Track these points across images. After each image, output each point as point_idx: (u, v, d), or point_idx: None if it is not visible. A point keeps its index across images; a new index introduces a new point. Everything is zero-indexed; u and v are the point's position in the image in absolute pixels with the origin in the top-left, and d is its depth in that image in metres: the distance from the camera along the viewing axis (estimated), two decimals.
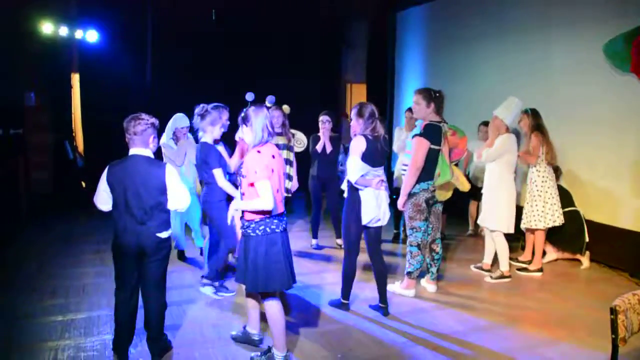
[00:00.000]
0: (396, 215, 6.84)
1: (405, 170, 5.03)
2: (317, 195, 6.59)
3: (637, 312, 2.79)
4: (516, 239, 6.20)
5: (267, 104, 6.08)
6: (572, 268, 6.05)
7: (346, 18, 11.56)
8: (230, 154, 4.92)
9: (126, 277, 3.59)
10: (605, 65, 5.90)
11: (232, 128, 4.79)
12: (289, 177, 6.23)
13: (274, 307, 3.62)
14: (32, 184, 8.93)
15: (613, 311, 2.69)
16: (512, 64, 7.27)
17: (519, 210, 5.72)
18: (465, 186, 5.41)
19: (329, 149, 6.42)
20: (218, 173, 4.55)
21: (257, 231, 3.46)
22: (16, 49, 9.00)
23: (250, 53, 10.38)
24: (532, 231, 5.92)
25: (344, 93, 12.49)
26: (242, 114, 3.56)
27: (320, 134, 6.44)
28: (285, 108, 6.22)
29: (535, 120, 5.67)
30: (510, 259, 5.71)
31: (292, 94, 8.08)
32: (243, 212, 3.51)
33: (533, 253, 5.96)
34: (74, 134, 10.72)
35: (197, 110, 4.71)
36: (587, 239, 5.97)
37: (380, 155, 4.39)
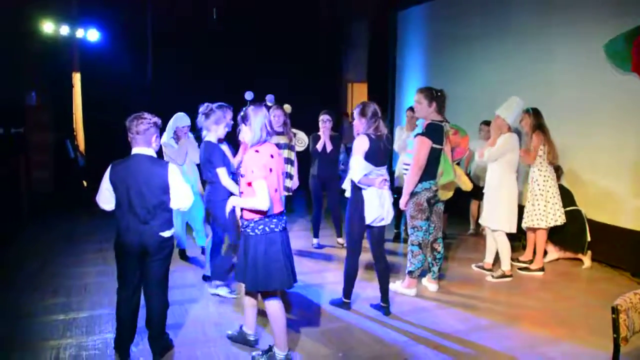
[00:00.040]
0: (397, 215, 6.83)
1: (406, 169, 5.03)
2: (318, 194, 6.59)
3: (638, 312, 2.79)
4: (518, 239, 6.19)
5: (268, 103, 6.08)
6: (574, 267, 6.05)
7: (347, 17, 11.57)
8: (234, 153, 4.92)
9: (128, 276, 3.60)
10: (606, 64, 5.90)
11: (236, 127, 4.80)
12: (290, 176, 6.23)
13: (275, 306, 3.63)
14: (33, 183, 8.94)
15: (615, 310, 2.69)
16: (513, 64, 7.27)
17: (521, 209, 5.72)
18: (467, 185, 5.41)
19: (329, 148, 6.42)
20: (222, 172, 4.55)
21: (257, 230, 3.46)
22: (17, 48, 9.01)
23: (250, 52, 10.38)
24: (534, 230, 5.92)
25: (345, 92, 12.50)
26: (242, 113, 3.57)
27: (320, 133, 6.44)
28: (287, 107, 6.22)
29: (536, 120, 5.66)
30: (512, 259, 5.70)
31: (293, 93, 8.10)
32: (242, 211, 3.51)
33: (534, 252, 5.96)
34: (75, 133, 10.73)
35: (202, 109, 4.72)
36: (588, 239, 5.97)
37: (383, 154, 4.39)
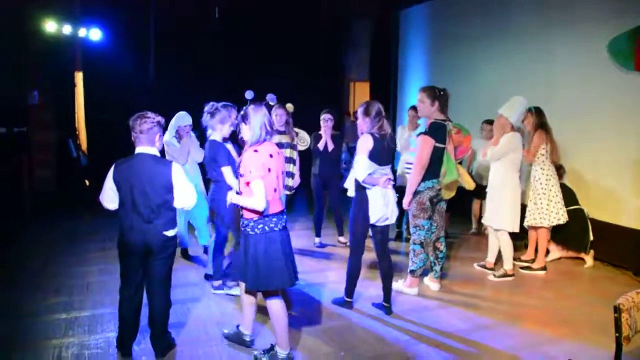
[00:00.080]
0: (399, 214, 6.82)
1: (409, 168, 5.02)
2: (319, 193, 6.59)
3: None
4: (520, 238, 6.18)
5: (270, 102, 6.08)
6: (576, 266, 6.04)
7: (349, 16, 11.56)
8: (239, 153, 4.93)
9: (131, 275, 3.61)
10: (608, 63, 5.89)
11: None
12: (292, 175, 6.23)
13: (276, 305, 3.63)
14: (35, 182, 8.95)
15: (617, 310, 2.69)
16: (515, 63, 7.26)
17: (523, 208, 5.71)
18: (470, 184, 5.41)
19: (330, 147, 6.42)
20: (227, 171, 4.55)
21: (256, 230, 3.46)
22: (20, 48, 9.03)
23: (252, 52, 10.39)
24: (536, 229, 5.91)
25: (347, 91, 12.50)
26: (242, 112, 3.57)
27: (321, 132, 6.44)
28: (289, 106, 6.22)
29: (539, 119, 5.66)
30: (514, 258, 5.69)
31: (295, 92, 8.09)
32: (242, 210, 3.51)
33: (536, 251, 5.95)
34: (77, 132, 10.76)
35: (207, 108, 4.73)
36: (591, 238, 5.96)
37: (387, 153, 4.38)
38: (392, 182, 4.38)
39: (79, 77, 10.61)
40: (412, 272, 5.04)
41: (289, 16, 10.64)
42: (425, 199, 4.84)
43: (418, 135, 4.89)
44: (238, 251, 3.64)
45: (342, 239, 6.79)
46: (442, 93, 4.89)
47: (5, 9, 8.45)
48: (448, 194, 5.04)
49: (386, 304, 4.61)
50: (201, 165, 5.83)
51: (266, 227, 3.46)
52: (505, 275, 5.55)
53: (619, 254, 5.89)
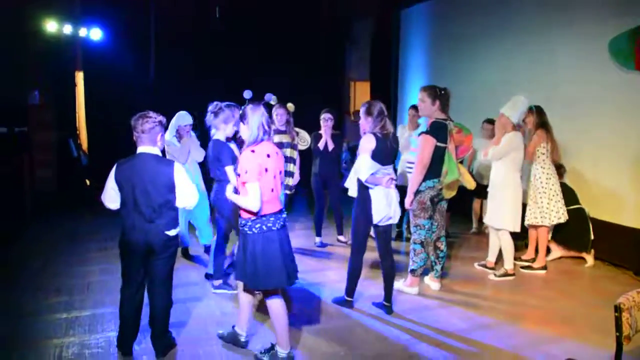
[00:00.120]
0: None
1: (410, 168, 5.02)
2: (320, 192, 6.59)
3: None
4: (522, 237, 6.17)
5: (271, 102, 6.08)
6: (576, 266, 6.04)
7: (350, 15, 11.56)
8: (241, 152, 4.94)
9: (132, 274, 3.62)
10: (609, 63, 5.89)
11: None
12: (291, 175, 6.23)
13: (276, 304, 3.63)
14: (36, 182, 8.96)
15: (617, 309, 2.69)
16: (516, 62, 7.26)
17: (523, 207, 5.71)
18: (471, 184, 5.40)
19: (330, 146, 6.42)
20: (230, 170, 4.56)
21: (254, 229, 3.46)
22: (20, 48, 9.04)
23: (253, 51, 10.39)
24: (536, 228, 5.91)
25: (347, 91, 12.50)
26: (240, 112, 3.58)
27: (322, 131, 6.44)
28: (290, 106, 6.22)
29: (540, 118, 5.65)
30: (514, 257, 5.68)
31: (295, 92, 8.09)
32: (240, 209, 3.52)
33: (536, 250, 5.95)
34: (78, 132, 10.76)
35: (211, 107, 4.74)
36: (592, 237, 5.96)
37: (389, 153, 4.38)
38: (394, 182, 4.38)
39: (79, 76, 10.62)
40: (412, 271, 5.04)
41: (289, 16, 10.64)
42: (426, 199, 4.84)
43: (419, 134, 4.89)
44: (237, 251, 3.64)
45: (341, 237, 6.79)
46: (443, 92, 4.88)
47: (6, 9, 8.46)
48: (449, 194, 5.04)
49: (387, 304, 4.61)
50: (201, 165, 5.85)
51: (264, 227, 3.46)
52: (506, 274, 5.55)
53: (619, 253, 5.89)
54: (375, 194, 4.31)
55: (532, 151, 5.64)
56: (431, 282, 5.25)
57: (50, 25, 9.25)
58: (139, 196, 3.46)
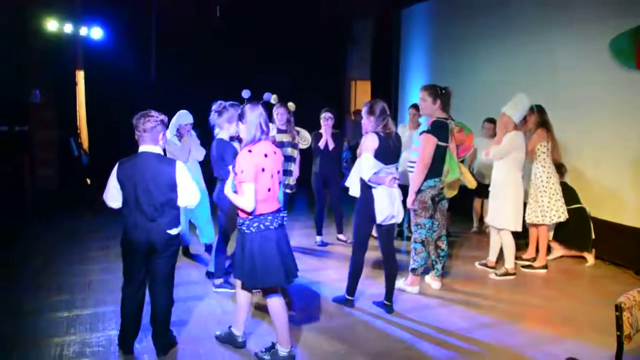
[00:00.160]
0: None
1: (412, 167, 5.02)
2: (320, 191, 6.59)
3: None
4: (523, 236, 6.17)
5: (271, 101, 6.07)
6: (577, 265, 6.04)
7: (351, 15, 11.55)
8: None
9: (134, 273, 3.62)
10: (610, 62, 5.89)
11: None
12: (291, 174, 6.22)
13: (276, 302, 3.64)
14: (37, 181, 8.96)
15: (618, 308, 2.69)
16: (516, 62, 7.26)
17: (525, 207, 5.71)
18: (471, 183, 5.40)
19: (331, 145, 6.43)
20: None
21: (252, 228, 3.47)
22: (21, 47, 9.05)
23: (254, 50, 10.39)
24: (536, 227, 5.91)
25: (348, 90, 12.49)
26: (239, 111, 3.58)
27: (322, 130, 6.44)
28: (291, 105, 6.22)
29: (540, 117, 5.65)
30: (515, 257, 5.68)
31: (297, 91, 8.09)
32: (238, 209, 3.53)
33: (537, 250, 5.95)
34: (78, 131, 10.77)
35: (215, 107, 4.74)
36: (593, 236, 5.96)
37: (392, 152, 4.38)
38: (397, 181, 4.38)
39: (80, 75, 10.62)
40: (413, 270, 5.04)
41: (290, 15, 10.64)
42: (427, 198, 4.84)
43: (420, 133, 4.89)
44: (236, 249, 3.65)
45: (341, 236, 6.80)
46: (443, 91, 4.88)
47: (7, 8, 8.46)
48: (450, 193, 5.04)
49: (387, 303, 4.61)
50: (202, 164, 5.86)
51: (261, 226, 3.47)
52: (507, 273, 5.55)
53: (620, 252, 5.89)
54: (378, 193, 4.31)
55: (532, 150, 5.64)
56: (432, 281, 5.25)
57: (51, 24, 9.25)
58: (141, 195, 3.46)
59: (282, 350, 3.64)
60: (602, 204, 6.07)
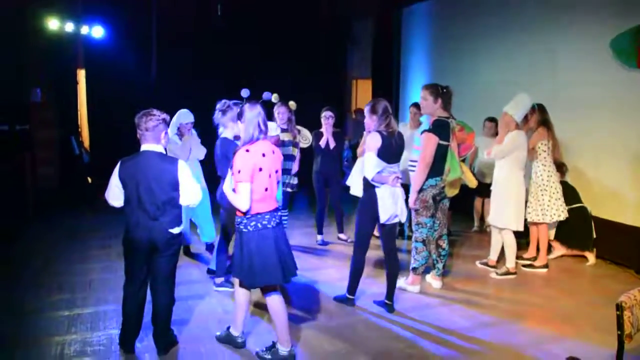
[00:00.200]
0: None
1: (413, 166, 5.01)
2: (321, 190, 6.60)
3: None
4: (525, 235, 6.16)
5: (272, 100, 6.07)
6: (578, 264, 6.03)
7: (352, 14, 11.54)
8: None
9: (135, 272, 3.63)
10: (611, 62, 5.89)
11: None
12: (292, 173, 6.22)
13: (275, 301, 3.64)
14: (38, 180, 8.96)
15: (619, 307, 2.68)
16: (517, 61, 7.26)
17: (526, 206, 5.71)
18: (472, 182, 5.39)
19: (332, 144, 6.43)
20: None
21: (249, 227, 3.47)
22: (22, 46, 9.05)
23: (254, 50, 10.38)
24: (537, 225, 5.90)
25: (349, 89, 12.49)
26: (232, 110, 3.59)
27: (322, 129, 6.44)
28: (292, 104, 6.21)
29: (542, 116, 5.65)
30: (516, 257, 5.67)
31: (298, 90, 8.08)
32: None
33: (538, 249, 5.95)
34: (79, 130, 10.78)
35: (219, 105, 4.74)
36: (594, 235, 5.96)
37: (395, 151, 4.37)
38: (400, 180, 4.37)
39: (81, 74, 10.63)
40: (414, 269, 5.04)
41: (291, 14, 10.63)
42: (428, 197, 4.84)
43: (422, 132, 4.88)
44: (234, 248, 3.65)
45: (342, 235, 6.80)
46: (445, 90, 4.88)
47: (8, 6, 8.46)
48: (452, 192, 5.03)
49: (388, 302, 4.61)
50: (202, 163, 5.86)
51: (259, 224, 3.47)
52: (508, 273, 5.54)
53: (621, 251, 5.89)
54: (382, 192, 4.30)
55: (532, 148, 5.63)
56: (433, 281, 5.25)
57: (52, 23, 9.26)
58: (143, 194, 3.46)
59: (283, 350, 3.64)
60: (603, 203, 6.06)
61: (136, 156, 3.53)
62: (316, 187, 6.58)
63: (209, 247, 6.15)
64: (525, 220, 5.65)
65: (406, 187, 4.95)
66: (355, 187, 4.50)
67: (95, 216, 7.71)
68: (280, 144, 5.75)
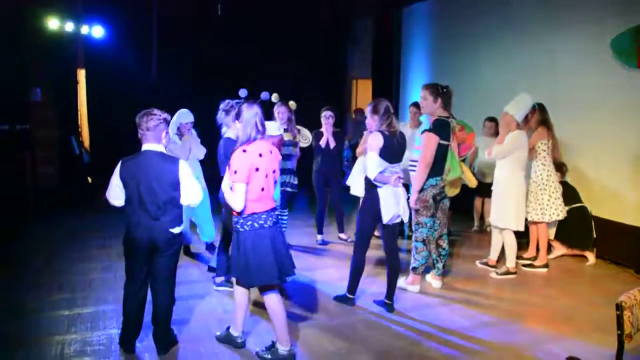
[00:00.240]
0: None
1: (414, 166, 5.01)
2: (321, 190, 6.60)
3: None
4: (525, 235, 6.16)
5: (273, 99, 6.07)
6: (578, 264, 6.03)
7: (352, 13, 11.54)
8: None
9: (136, 272, 3.63)
10: (609, 62, 5.90)
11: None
12: (293, 172, 6.21)
13: (272, 300, 3.64)
14: (38, 179, 8.96)
15: (619, 307, 2.69)
16: (517, 61, 7.26)
17: None
18: (472, 182, 5.39)
19: (332, 144, 6.44)
20: None
21: (245, 226, 3.48)
22: (22, 45, 9.03)
23: (255, 49, 10.38)
24: (536, 224, 5.90)
25: (349, 89, 12.49)
26: (232, 110, 3.59)
27: (323, 129, 6.45)
28: (292, 104, 6.21)
29: (542, 115, 5.65)
30: (516, 257, 5.67)
31: (298, 89, 8.08)
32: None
33: (537, 248, 5.95)
34: (79, 129, 10.77)
35: (222, 105, 4.75)
36: (594, 235, 5.96)
37: (397, 151, 4.37)
38: (402, 180, 4.37)
39: (81, 74, 10.63)
40: (414, 269, 5.04)
41: (291, 14, 10.63)
42: (429, 197, 4.84)
43: (422, 132, 4.88)
44: (232, 248, 3.66)
45: (342, 235, 6.80)
46: (445, 90, 4.88)
47: (8, 6, 8.45)
48: (452, 191, 5.03)
49: (388, 302, 4.61)
50: (202, 162, 5.86)
51: (255, 224, 3.48)
52: (508, 272, 5.55)
53: (620, 251, 5.89)
54: (384, 193, 4.30)
55: (532, 148, 5.63)
56: (433, 280, 5.25)
57: (52, 23, 9.25)
58: (144, 193, 3.47)
59: (282, 349, 3.64)
60: (603, 203, 6.07)
61: (137, 156, 3.53)
62: (316, 187, 6.58)
63: (209, 246, 6.16)
64: (526, 219, 5.65)
65: (406, 187, 4.96)
66: (355, 187, 4.51)
67: (95, 216, 7.71)
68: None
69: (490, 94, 7.46)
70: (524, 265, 5.87)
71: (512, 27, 7.37)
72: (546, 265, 5.82)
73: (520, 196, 5.42)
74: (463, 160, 5.54)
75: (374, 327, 4.30)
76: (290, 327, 3.70)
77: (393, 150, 4.32)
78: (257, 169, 3.43)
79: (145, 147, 3.54)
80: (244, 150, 3.43)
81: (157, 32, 10.27)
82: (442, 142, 4.75)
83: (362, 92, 12.24)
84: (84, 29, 9.69)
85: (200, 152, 5.79)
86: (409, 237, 6.34)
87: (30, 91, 9.35)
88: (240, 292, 3.79)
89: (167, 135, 3.62)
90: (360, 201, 4.50)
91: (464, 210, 7.53)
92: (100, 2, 9.91)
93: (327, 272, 5.61)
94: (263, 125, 3.54)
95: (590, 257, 6.01)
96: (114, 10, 9.88)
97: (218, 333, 4.02)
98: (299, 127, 6.42)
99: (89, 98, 10.49)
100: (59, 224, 7.42)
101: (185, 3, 10.41)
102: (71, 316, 4.38)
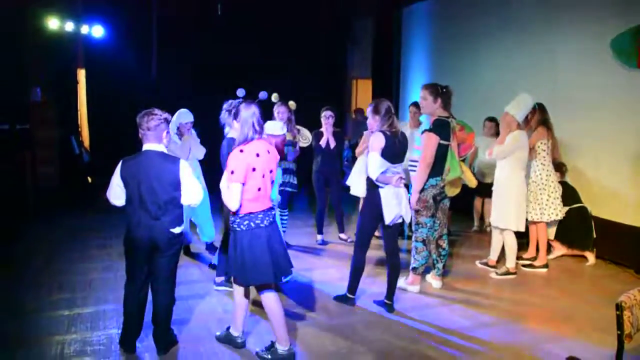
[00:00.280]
0: None
1: (414, 166, 5.01)
2: (321, 190, 6.60)
3: None
4: (525, 235, 6.16)
5: (273, 99, 6.07)
6: (578, 264, 6.03)
7: (352, 13, 11.55)
8: None
9: (136, 271, 3.63)
10: (610, 62, 5.89)
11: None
12: (293, 172, 6.22)
13: (269, 299, 3.64)
14: (38, 179, 8.97)
15: (619, 307, 2.69)
16: (517, 61, 7.26)
17: None
18: (472, 182, 5.39)
19: (332, 144, 6.44)
20: None
21: (242, 226, 3.49)
22: (22, 45, 9.05)
23: (255, 49, 10.38)
24: (536, 224, 5.90)
25: (349, 89, 12.49)
26: (234, 110, 3.59)
27: (323, 129, 6.45)
28: (291, 104, 6.21)
29: (541, 115, 5.65)
30: (516, 257, 5.67)
31: (298, 89, 8.08)
32: None
33: (538, 249, 5.95)
34: (79, 129, 10.78)
35: (226, 105, 4.75)
36: (594, 235, 5.96)
37: (398, 151, 4.36)
38: (404, 181, 4.37)
39: (81, 74, 10.64)
40: (414, 269, 5.04)
41: (291, 14, 10.63)
42: (429, 197, 4.84)
43: (422, 132, 4.88)
44: (229, 247, 3.66)
45: (342, 235, 6.79)
46: (444, 90, 4.88)
47: (8, 6, 8.46)
48: (453, 191, 5.03)
49: (388, 302, 4.61)
50: (202, 162, 5.86)
51: (252, 224, 3.48)
52: (508, 272, 5.55)
53: (620, 251, 5.89)
54: (385, 193, 4.30)
55: (532, 147, 5.63)
56: (433, 280, 5.25)
57: (52, 23, 9.26)
58: (145, 193, 3.47)
59: (281, 348, 3.64)
60: (603, 203, 6.07)
61: (138, 156, 3.54)
62: (316, 186, 6.58)
63: (209, 246, 6.16)
64: (526, 219, 5.65)
65: (406, 187, 4.96)
66: (356, 187, 4.50)
67: (95, 216, 7.71)
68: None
69: (490, 94, 7.46)
70: (524, 266, 5.87)
71: (512, 27, 7.37)
72: (546, 266, 5.82)
73: (520, 197, 5.42)
74: (463, 160, 5.54)
75: (374, 327, 4.30)
76: (290, 327, 3.71)
77: (395, 150, 4.31)
78: (254, 169, 3.43)
79: (146, 147, 3.54)
80: (241, 150, 3.43)
81: (157, 32, 10.27)
82: (442, 142, 4.75)
83: (362, 92, 12.24)
84: (84, 29, 9.71)
85: (200, 152, 5.79)
86: (409, 237, 6.34)
87: (30, 91, 9.35)
88: (240, 292, 3.79)
89: (168, 135, 3.62)
90: (361, 201, 4.49)
91: (464, 210, 7.53)
92: (100, 2, 9.92)
93: (327, 272, 5.61)
94: (261, 125, 3.54)
95: (590, 257, 6.01)
96: (114, 10, 9.89)
97: (218, 333, 4.02)
98: (298, 127, 6.43)
99: (89, 98, 10.49)
100: (59, 224, 7.42)
101: (185, 3, 10.41)
102: (71, 316, 4.38)
